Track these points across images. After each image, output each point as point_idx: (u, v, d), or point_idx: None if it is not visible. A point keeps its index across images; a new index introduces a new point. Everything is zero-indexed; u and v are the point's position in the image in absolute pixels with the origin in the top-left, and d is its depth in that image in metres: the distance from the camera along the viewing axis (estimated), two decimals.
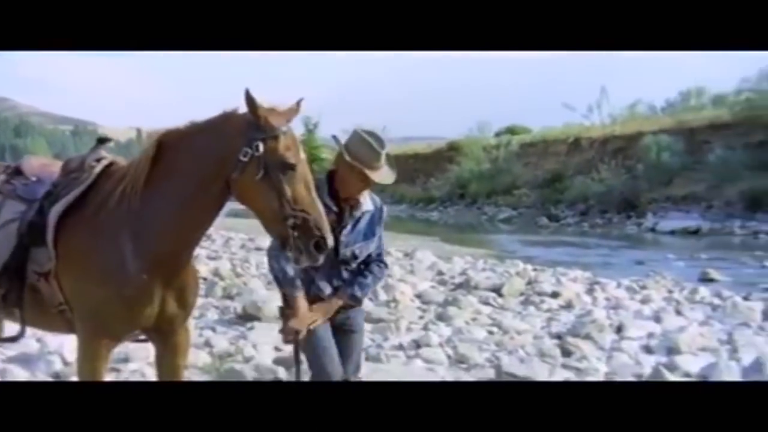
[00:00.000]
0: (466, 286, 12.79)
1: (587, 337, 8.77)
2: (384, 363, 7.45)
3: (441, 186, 51.94)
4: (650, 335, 9.22)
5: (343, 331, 4.39)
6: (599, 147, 43.47)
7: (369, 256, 4.41)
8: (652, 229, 31.62)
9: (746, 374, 7.22)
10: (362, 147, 4.09)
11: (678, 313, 11.12)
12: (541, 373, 6.90)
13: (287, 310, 4.22)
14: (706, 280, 15.84)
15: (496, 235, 31.05)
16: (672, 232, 30.23)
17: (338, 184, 4.20)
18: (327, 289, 4.30)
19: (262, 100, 3.56)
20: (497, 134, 56.33)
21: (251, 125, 3.50)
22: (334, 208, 4.19)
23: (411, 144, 67.48)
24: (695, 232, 29.91)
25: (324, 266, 4.08)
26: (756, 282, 15.54)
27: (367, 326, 7.86)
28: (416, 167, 54.86)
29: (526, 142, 50.87)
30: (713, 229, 30.31)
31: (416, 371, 7.28)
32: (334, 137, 4.30)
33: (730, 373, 7.19)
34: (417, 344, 8.33)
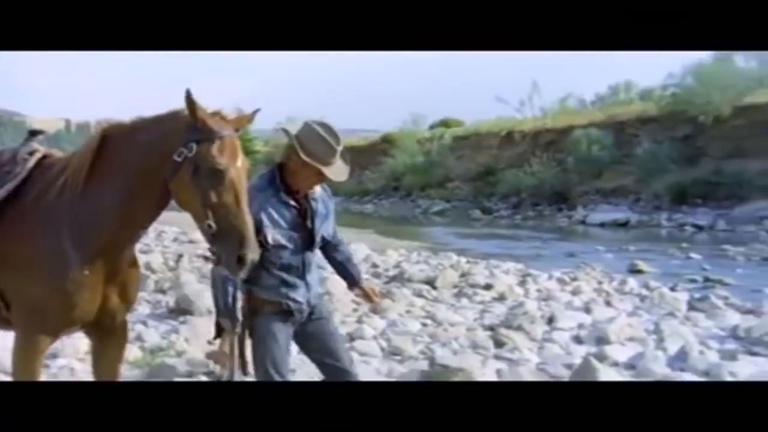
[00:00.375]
0: (400, 278, 12.85)
1: (519, 328, 8.89)
2: None
3: (375, 179, 51.98)
4: (580, 326, 9.39)
5: (312, 321, 4.27)
6: (531, 140, 44.01)
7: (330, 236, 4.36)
8: (583, 222, 32.16)
9: (671, 363, 7.41)
10: (316, 142, 3.96)
11: (607, 304, 11.35)
12: (474, 364, 6.98)
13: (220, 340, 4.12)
14: (634, 271, 16.18)
15: (429, 228, 31.24)
16: (602, 225, 30.79)
17: (289, 178, 4.07)
18: (301, 290, 4.16)
19: (210, 103, 3.52)
20: (431, 127, 56.55)
21: (190, 126, 3.45)
22: (293, 203, 4.07)
23: (345, 137, 67.22)
24: (624, 225, 30.52)
25: (296, 261, 4.07)
26: (682, 273, 15.91)
27: None
28: (351, 160, 54.67)
29: (460, 135, 51.19)
30: (641, 221, 30.97)
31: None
32: (284, 130, 4.15)
33: (657, 362, 7.37)
34: (351, 337, 8.35)
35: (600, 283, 13.79)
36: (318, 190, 4.21)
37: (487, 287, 12.25)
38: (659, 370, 7.09)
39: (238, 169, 3.46)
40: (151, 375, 6.55)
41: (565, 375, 6.93)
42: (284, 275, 4.08)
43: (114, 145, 3.62)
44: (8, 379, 4.44)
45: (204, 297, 9.01)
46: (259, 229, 3.85)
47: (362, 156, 55.00)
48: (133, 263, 3.93)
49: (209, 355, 4.23)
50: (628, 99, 48.21)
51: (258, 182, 4.08)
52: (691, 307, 11.17)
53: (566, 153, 39.29)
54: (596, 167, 37.34)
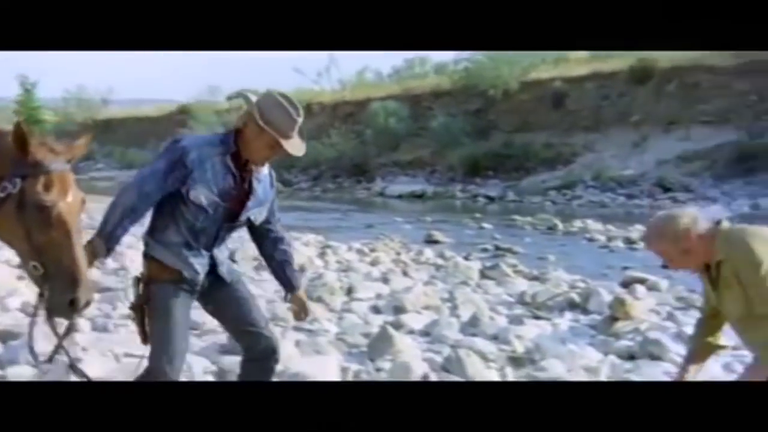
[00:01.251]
0: None
1: (319, 299, 8.99)
2: (112, 333, 7.22)
3: None
4: (378, 296, 9.61)
5: (224, 288, 3.99)
6: (330, 112, 44.32)
7: (267, 222, 4.09)
8: (381, 194, 32.85)
9: (464, 329, 7.75)
10: (277, 111, 3.72)
11: (405, 274, 11.68)
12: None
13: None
14: (430, 241, 16.71)
15: None
16: (399, 196, 31.56)
17: (242, 147, 3.78)
18: (202, 260, 3.86)
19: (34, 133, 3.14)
20: (229, 98, 55.52)
21: (15, 159, 3.09)
22: (235, 172, 3.78)
23: (140, 107, 65.25)
24: (420, 196, 31.43)
25: (210, 230, 3.81)
26: (475, 243, 16.61)
27: (96, 296, 7.60)
28: (146, 131, 53.22)
29: None
30: (437, 192, 32.02)
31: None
32: (244, 95, 3.84)
33: (450, 328, 7.68)
34: None
35: (398, 253, 14.16)
36: (264, 171, 3.95)
37: None
38: (452, 335, 7.39)
39: (69, 204, 3.12)
40: None
41: (362, 344, 7.09)
42: (191, 238, 3.81)
43: None
44: None
45: None
46: (186, 178, 3.68)
47: (158, 127, 53.48)
48: None
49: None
50: (423, 73, 49.49)
51: (211, 137, 3.89)
52: (483, 275, 11.70)
53: (364, 125, 39.86)
54: (393, 139, 38.13)
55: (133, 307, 3.87)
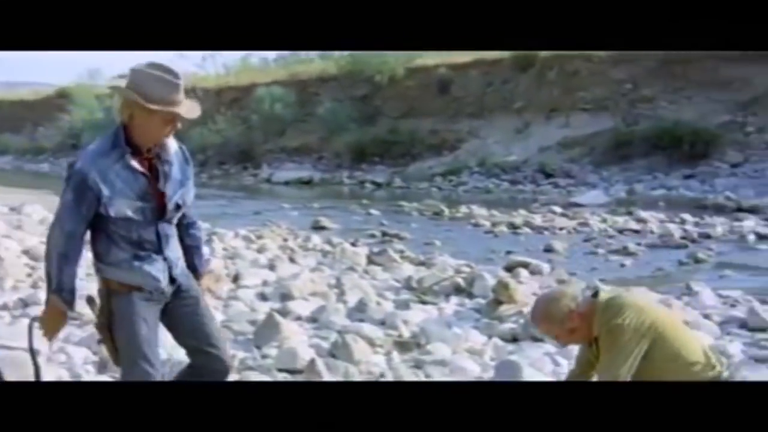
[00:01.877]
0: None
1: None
2: None
3: (51, 136, 48.94)
4: (265, 283, 9.54)
5: (180, 301, 3.81)
6: (215, 97, 43.64)
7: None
8: (268, 180, 32.58)
9: (351, 315, 7.78)
10: (156, 84, 3.42)
11: (291, 260, 11.63)
12: None
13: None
14: (317, 228, 16.70)
15: None
16: (286, 183, 31.39)
17: (138, 137, 3.51)
18: (158, 264, 3.68)
19: None
20: (111, 88, 54.12)
21: None
22: (141, 169, 3.53)
23: (15, 89, 62.81)
24: (308, 182, 31.33)
25: (149, 235, 3.61)
26: (362, 229, 16.67)
27: None
28: (22, 115, 51.33)
29: None
30: (324, 179, 31.96)
31: (23, 331, 6.87)
32: (114, 87, 3.60)
33: (338, 314, 7.70)
34: (24, 303, 7.88)
35: (285, 240, 14.09)
36: (173, 150, 3.70)
37: None
38: (339, 321, 7.41)
39: None
40: None
41: (249, 331, 7.03)
42: (136, 250, 3.61)
43: None
44: None
45: None
46: (99, 199, 3.46)
47: (35, 111, 51.69)
48: None
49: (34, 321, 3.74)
50: (309, 58, 49.24)
51: (99, 145, 3.56)
52: (370, 261, 11.76)
53: (250, 111, 39.44)
54: (280, 125, 37.84)
55: (98, 327, 3.72)
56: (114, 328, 3.65)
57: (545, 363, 6.26)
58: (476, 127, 32.48)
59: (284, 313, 7.67)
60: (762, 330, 7.51)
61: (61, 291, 3.57)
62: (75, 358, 5.93)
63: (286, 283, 9.10)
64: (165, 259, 3.71)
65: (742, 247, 14.43)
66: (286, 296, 8.66)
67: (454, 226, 17.96)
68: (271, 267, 10.72)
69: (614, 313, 3.43)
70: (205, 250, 4.05)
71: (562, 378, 5.83)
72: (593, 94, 30.03)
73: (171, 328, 3.90)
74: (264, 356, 6.35)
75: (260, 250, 12.55)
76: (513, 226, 17.03)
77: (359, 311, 7.87)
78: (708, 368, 3.47)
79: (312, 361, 5.81)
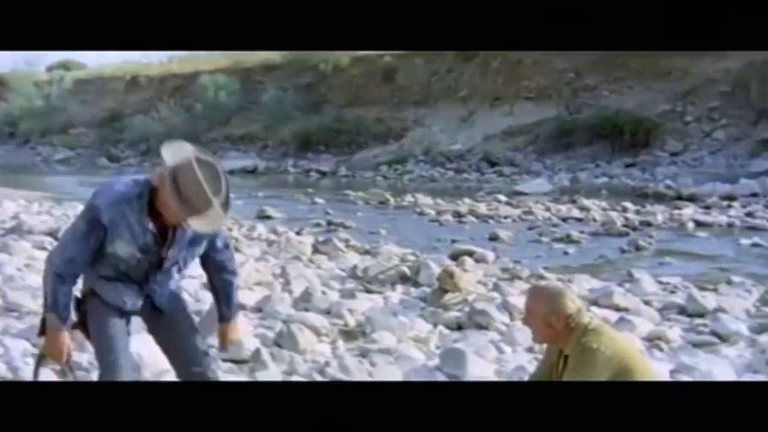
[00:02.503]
0: (19, 230, 12.08)
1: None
2: None
3: None
4: None
5: (167, 316, 3.84)
6: (158, 85, 43.16)
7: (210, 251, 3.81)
8: None
9: (296, 304, 7.75)
10: (191, 187, 3.34)
11: (236, 250, 11.51)
12: None
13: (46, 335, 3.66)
14: (262, 217, 16.61)
15: (52, 177, 29.63)
16: (231, 172, 31.05)
17: (159, 205, 3.48)
18: (135, 302, 3.73)
19: None
20: (49, 69, 53.20)
21: None
22: (152, 229, 3.53)
23: None
24: (252, 171, 31.13)
25: (137, 275, 3.65)
26: (307, 218, 16.63)
27: None
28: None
29: (82, 78, 48.85)
30: (269, 167, 31.81)
31: None
32: (164, 150, 3.48)
33: (283, 303, 7.66)
34: None
35: (229, 229, 13.96)
36: None
37: None
38: (285, 311, 7.38)
39: None
40: None
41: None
42: (120, 276, 3.66)
43: None
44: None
45: None
46: (105, 235, 3.49)
47: None
48: None
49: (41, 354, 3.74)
50: None
51: (126, 189, 3.54)
52: (315, 250, 11.73)
53: (194, 99, 39.06)
54: (224, 114, 37.57)
55: (76, 326, 3.75)
56: (89, 327, 3.72)
57: (490, 350, 6.31)
58: (421, 115, 32.61)
59: None
60: (700, 315, 7.66)
61: (57, 308, 3.57)
62: (13, 350, 5.82)
63: None
64: (144, 291, 3.75)
65: (681, 235, 14.71)
66: None
67: (400, 214, 18.01)
68: None
69: (591, 338, 3.47)
70: (237, 297, 3.98)
71: (505, 365, 5.91)
72: (537, 83, 30.34)
73: (160, 346, 3.97)
74: (209, 346, 6.28)
75: None
76: (458, 215, 17.12)
77: (304, 300, 7.84)
78: None
79: (257, 351, 5.78)
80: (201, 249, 3.77)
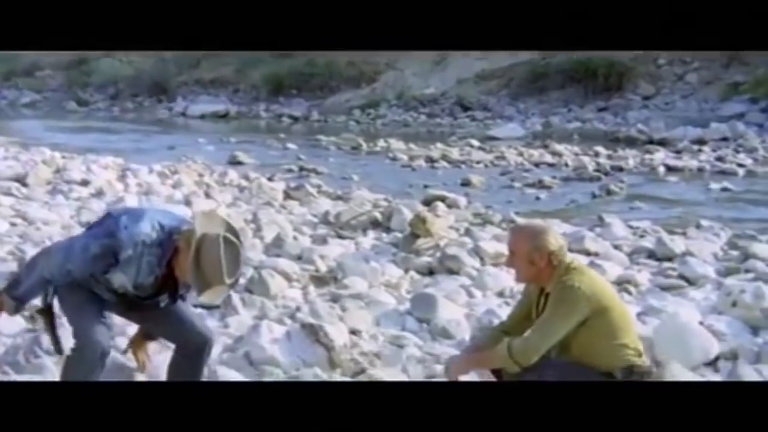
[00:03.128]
0: None
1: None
2: None
3: None
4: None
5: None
6: None
7: None
8: (183, 114, 31.96)
9: (268, 250, 7.74)
10: (211, 262, 3.46)
11: (208, 196, 11.48)
12: None
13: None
14: (234, 163, 16.50)
15: (19, 122, 29.18)
16: (202, 116, 30.83)
17: (175, 263, 3.60)
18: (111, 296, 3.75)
19: None
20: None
21: None
22: (159, 275, 3.62)
23: None
24: (224, 116, 30.85)
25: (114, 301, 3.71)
26: (279, 163, 16.56)
27: None
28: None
29: None
30: (241, 112, 31.55)
31: None
32: (196, 219, 3.65)
33: (254, 250, 7.65)
34: None
35: (201, 175, 13.89)
36: None
37: (84, 183, 11.84)
38: (256, 257, 7.37)
39: None
40: None
41: None
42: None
43: None
44: None
45: None
46: (111, 267, 3.53)
47: None
48: None
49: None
50: None
51: (153, 233, 3.58)
52: (287, 195, 11.70)
53: None
54: (194, 57, 37.06)
55: (40, 311, 3.78)
56: (61, 308, 3.73)
57: (460, 295, 6.35)
58: (394, 59, 32.33)
59: None
60: (669, 259, 7.74)
61: (21, 301, 3.65)
62: None
63: None
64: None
65: (652, 179, 14.81)
66: None
67: (372, 160, 17.97)
68: (187, 203, 10.55)
69: (573, 276, 3.50)
70: None
71: (475, 309, 5.95)
72: None
73: (148, 329, 4.06)
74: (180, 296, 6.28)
75: (175, 186, 12.36)
76: (430, 160, 17.13)
77: (276, 246, 7.83)
78: (636, 355, 3.58)
79: (228, 296, 5.77)
80: (178, 300, 3.87)
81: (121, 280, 3.58)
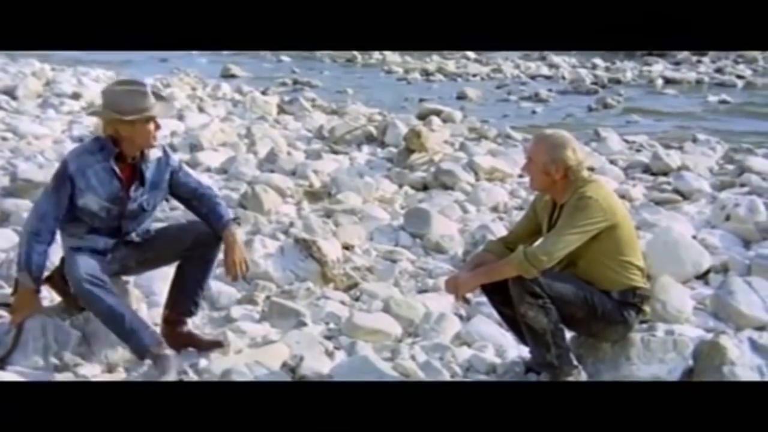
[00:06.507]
0: None
1: None
2: None
3: None
4: (173, 133, 9.31)
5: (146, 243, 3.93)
6: None
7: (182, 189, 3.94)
8: None
9: (261, 165, 7.70)
10: (126, 98, 3.70)
11: (200, 110, 11.38)
12: None
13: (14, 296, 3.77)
14: (227, 76, 16.33)
15: None
16: None
17: (126, 148, 3.74)
18: (108, 242, 3.83)
19: None
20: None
21: None
22: (120, 174, 3.73)
23: None
24: None
25: (102, 229, 3.76)
26: (273, 77, 16.39)
27: None
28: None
29: None
30: None
31: None
32: (94, 112, 3.98)
33: (248, 165, 7.61)
34: None
35: (193, 89, 13.74)
36: (154, 156, 3.84)
37: (75, 96, 11.72)
38: (250, 172, 7.34)
39: None
40: None
41: None
42: (94, 235, 3.79)
43: None
44: None
45: None
46: (73, 188, 3.68)
47: None
48: None
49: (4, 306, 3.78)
50: None
51: (89, 144, 3.86)
52: (281, 110, 11.60)
53: None
54: None
55: (48, 278, 3.86)
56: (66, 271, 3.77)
57: (454, 210, 6.35)
58: None
59: (194, 164, 7.57)
60: (664, 174, 7.72)
61: (30, 266, 3.69)
62: None
63: (195, 134, 8.92)
64: (117, 238, 3.86)
65: (650, 92, 14.69)
66: (195, 147, 8.50)
67: (367, 73, 17.79)
68: (180, 117, 10.44)
69: (590, 189, 3.47)
70: (224, 207, 3.96)
71: (469, 224, 5.95)
72: None
73: (154, 259, 4.02)
74: (172, 208, 6.26)
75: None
76: (426, 73, 16.96)
77: (270, 162, 7.78)
78: (640, 279, 3.56)
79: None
80: (163, 191, 3.93)
81: (90, 200, 3.71)
